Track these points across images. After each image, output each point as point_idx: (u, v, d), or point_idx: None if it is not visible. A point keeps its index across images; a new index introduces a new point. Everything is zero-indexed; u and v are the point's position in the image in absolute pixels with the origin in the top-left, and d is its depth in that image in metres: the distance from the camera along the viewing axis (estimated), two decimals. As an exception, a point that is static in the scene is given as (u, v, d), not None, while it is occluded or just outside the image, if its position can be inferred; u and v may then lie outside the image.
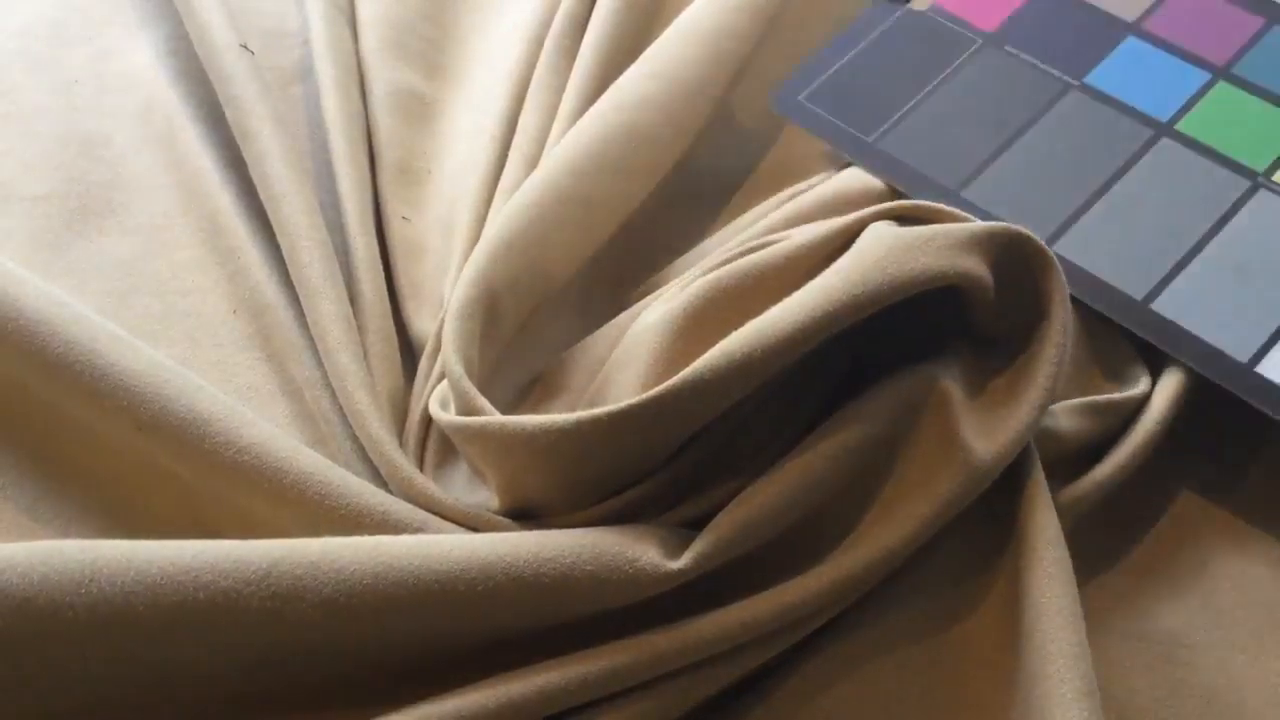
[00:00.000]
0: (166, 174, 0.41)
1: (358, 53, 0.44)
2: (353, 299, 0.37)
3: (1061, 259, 0.35)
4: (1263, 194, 0.37)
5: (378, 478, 0.33)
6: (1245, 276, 0.36)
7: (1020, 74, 0.41)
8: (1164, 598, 0.33)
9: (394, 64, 0.43)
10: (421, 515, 0.31)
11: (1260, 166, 0.38)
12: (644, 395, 0.29)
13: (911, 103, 0.40)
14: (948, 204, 0.36)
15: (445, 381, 0.33)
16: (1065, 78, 0.40)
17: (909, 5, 0.43)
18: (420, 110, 0.43)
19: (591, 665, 0.28)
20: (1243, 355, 0.35)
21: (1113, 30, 0.41)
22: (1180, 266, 0.36)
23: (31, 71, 0.44)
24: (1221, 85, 0.40)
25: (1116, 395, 0.35)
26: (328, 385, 0.35)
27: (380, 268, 0.38)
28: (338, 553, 0.27)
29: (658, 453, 0.31)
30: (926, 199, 0.36)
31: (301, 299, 0.36)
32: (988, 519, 0.32)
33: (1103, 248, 0.37)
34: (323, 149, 0.41)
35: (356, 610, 0.27)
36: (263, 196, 0.38)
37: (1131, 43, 0.41)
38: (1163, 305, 0.36)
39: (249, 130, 0.39)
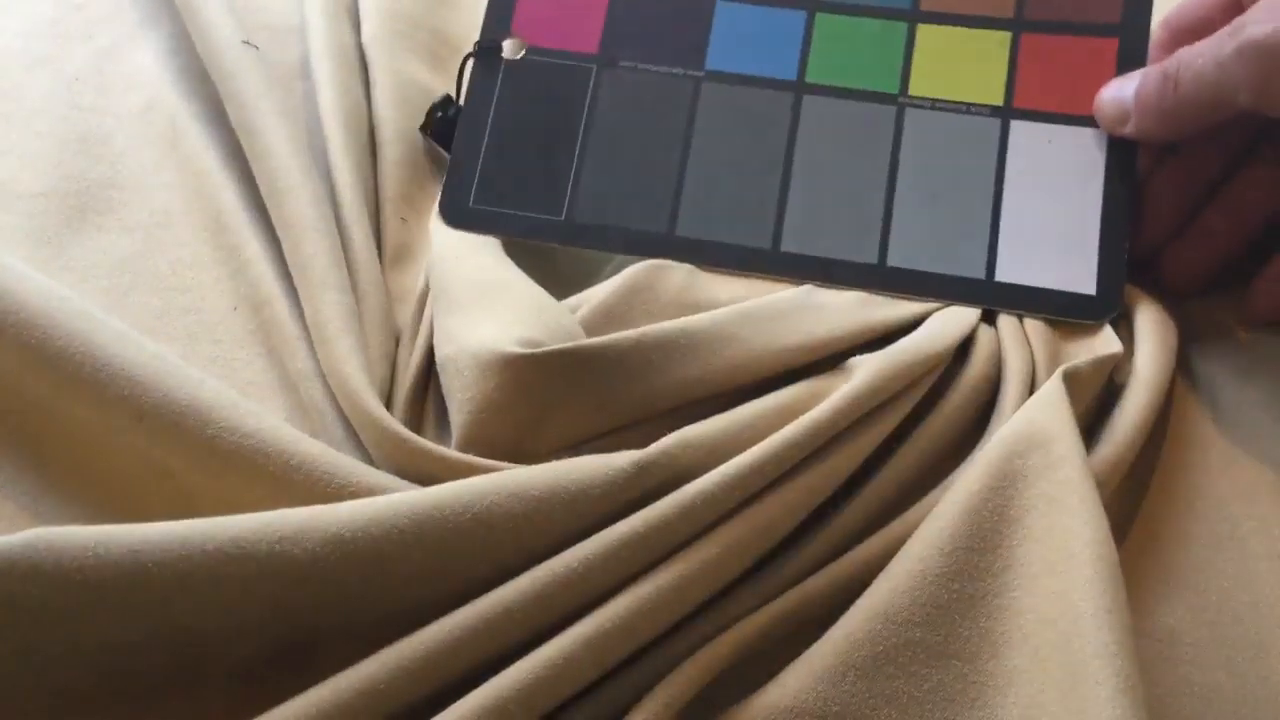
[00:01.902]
0: (167, 172, 0.41)
1: (360, 44, 0.44)
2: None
3: (789, 255, 0.37)
4: (910, 113, 0.39)
5: None
6: (939, 200, 0.38)
7: (648, 87, 0.40)
8: (1164, 595, 0.33)
9: (397, 55, 0.43)
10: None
11: (894, 88, 0.40)
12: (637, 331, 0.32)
13: (574, 161, 0.39)
14: (665, 248, 0.37)
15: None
16: (689, 73, 0.40)
17: (504, 58, 0.41)
18: (427, 104, 0.43)
19: (564, 560, 0.29)
20: (979, 273, 0.37)
21: (696, 3, 0.41)
22: (889, 219, 0.38)
23: (31, 69, 0.44)
24: (820, 18, 0.41)
25: (1099, 355, 0.35)
26: (320, 377, 0.35)
27: (377, 262, 0.38)
28: (340, 504, 0.28)
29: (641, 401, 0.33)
30: (644, 253, 0.37)
31: (301, 290, 0.36)
32: (1029, 517, 0.32)
33: (820, 230, 0.38)
34: (324, 144, 0.40)
35: (361, 546, 0.27)
36: (265, 192, 0.38)
37: (721, 9, 0.41)
38: (895, 259, 0.37)
39: (253, 126, 0.39)
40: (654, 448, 0.31)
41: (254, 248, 0.38)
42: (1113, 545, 0.30)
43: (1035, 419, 0.32)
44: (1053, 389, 0.32)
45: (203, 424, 0.30)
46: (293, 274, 0.37)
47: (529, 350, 0.32)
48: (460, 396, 0.33)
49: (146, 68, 0.44)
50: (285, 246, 0.37)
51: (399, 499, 0.29)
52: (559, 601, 0.28)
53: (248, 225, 0.39)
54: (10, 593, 0.25)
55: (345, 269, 0.37)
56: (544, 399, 0.32)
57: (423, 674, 0.27)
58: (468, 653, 0.27)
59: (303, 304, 0.36)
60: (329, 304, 0.35)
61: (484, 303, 0.34)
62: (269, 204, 0.38)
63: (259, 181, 0.39)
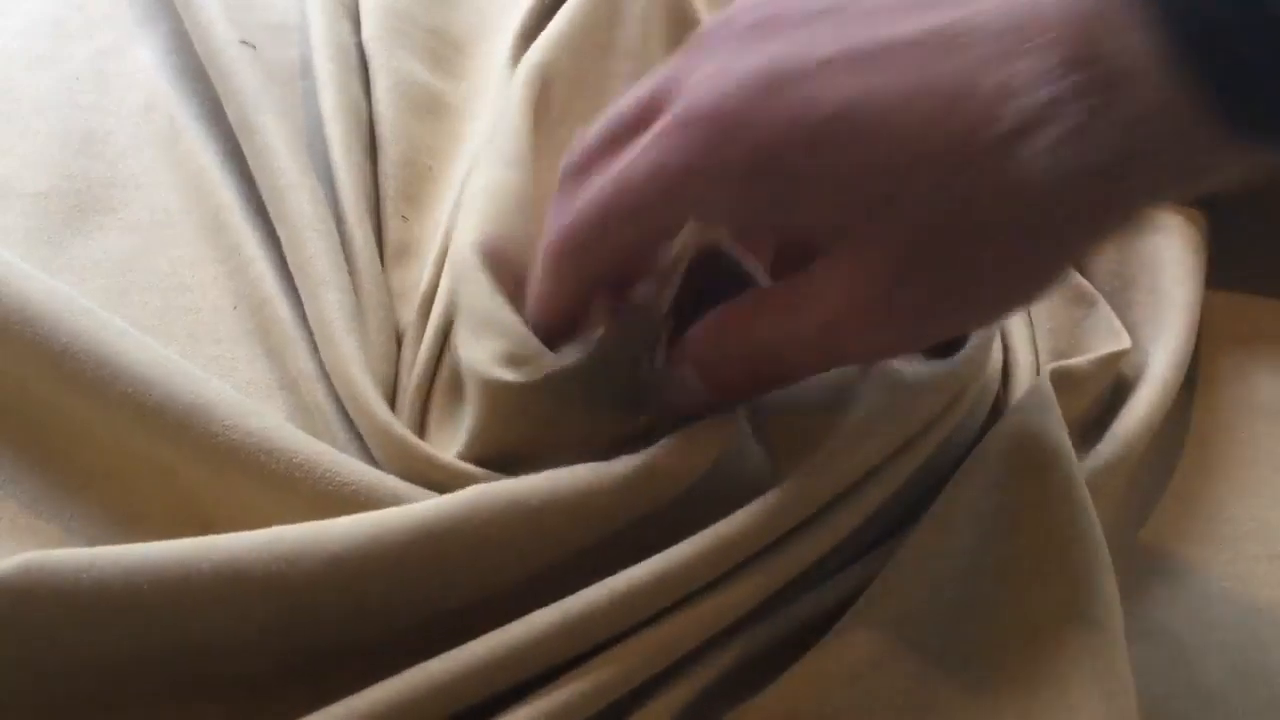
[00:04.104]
0: (167, 171, 0.41)
1: (360, 43, 0.44)
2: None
3: None
4: None
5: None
6: None
7: None
8: (1164, 597, 0.33)
9: (398, 54, 0.43)
10: (434, 496, 0.31)
11: None
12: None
13: None
14: None
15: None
16: None
17: None
18: (428, 103, 0.43)
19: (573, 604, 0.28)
20: None
21: None
22: None
23: (31, 69, 0.44)
24: None
25: (1103, 352, 0.34)
26: (323, 378, 0.35)
27: (378, 260, 0.38)
28: (337, 520, 0.28)
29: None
30: None
31: (302, 289, 0.36)
32: (1020, 518, 0.32)
33: None
34: (324, 143, 0.40)
35: (361, 564, 0.27)
36: (265, 190, 0.38)
37: None
38: None
39: (252, 125, 0.39)
40: (653, 451, 0.30)
41: (254, 246, 0.38)
42: (1104, 544, 0.30)
43: (1024, 418, 0.32)
44: (1040, 387, 0.32)
45: (205, 423, 0.30)
46: (293, 273, 0.37)
47: (519, 379, 0.31)
48: (468, 409, 0.33)
49: (146, 67, 0.44)
50: (285, 246, 0.37)
51: (394, 517, 0.28)
52: (571, 644, 0.28)
53: (248, 224, 0.39)
54: (3, 616, 0.25)
55: (345, 267, 0.36)
56: (541, 416, 0.32)
57: (430, 705, 0.26)
58: (477, 687, 0.27)
59: (304, 304, 0.36)
60: (330, 304, 0.35)
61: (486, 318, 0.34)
62: (268, 203, 0.38)
63: (258, 181, 0.39)
